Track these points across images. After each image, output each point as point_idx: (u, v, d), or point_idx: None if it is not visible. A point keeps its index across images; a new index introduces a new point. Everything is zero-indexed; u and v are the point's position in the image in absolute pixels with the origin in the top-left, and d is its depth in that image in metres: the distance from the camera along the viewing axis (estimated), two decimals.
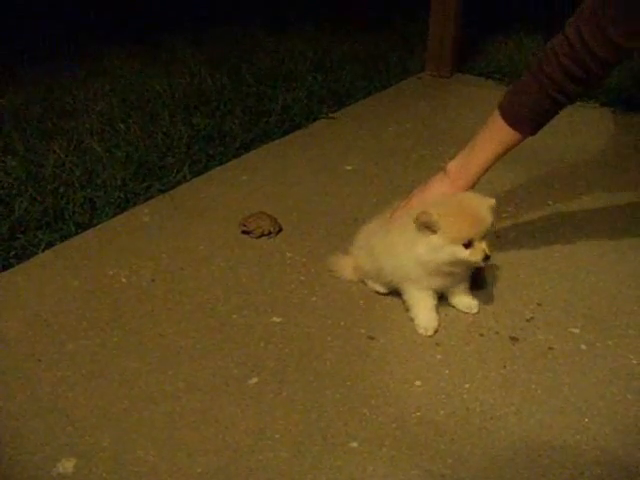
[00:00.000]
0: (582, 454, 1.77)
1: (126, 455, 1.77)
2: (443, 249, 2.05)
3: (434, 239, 2.05)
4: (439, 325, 2.21)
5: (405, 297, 2.25)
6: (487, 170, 2.21)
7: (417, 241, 2.08)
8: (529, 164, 3.22)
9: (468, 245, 2.04)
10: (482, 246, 2.05)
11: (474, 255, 2.05)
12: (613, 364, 2.07)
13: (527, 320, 2.26)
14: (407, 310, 2.25)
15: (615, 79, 3.99)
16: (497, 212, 2.15)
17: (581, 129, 3.66)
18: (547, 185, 3.06)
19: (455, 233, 2.03)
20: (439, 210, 2.04)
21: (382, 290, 2.34)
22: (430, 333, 2.19)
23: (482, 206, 2.09)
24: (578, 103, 3.83)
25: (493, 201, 2.13)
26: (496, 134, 2.19)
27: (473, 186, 2.22)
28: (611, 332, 2.20)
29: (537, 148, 3.32)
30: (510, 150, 2.20)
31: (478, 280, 2.38)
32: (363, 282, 2.40)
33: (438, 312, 2.24)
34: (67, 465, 1.74)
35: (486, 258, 2.06)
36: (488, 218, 2.08)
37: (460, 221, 2.04)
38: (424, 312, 2.21)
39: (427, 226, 2.04)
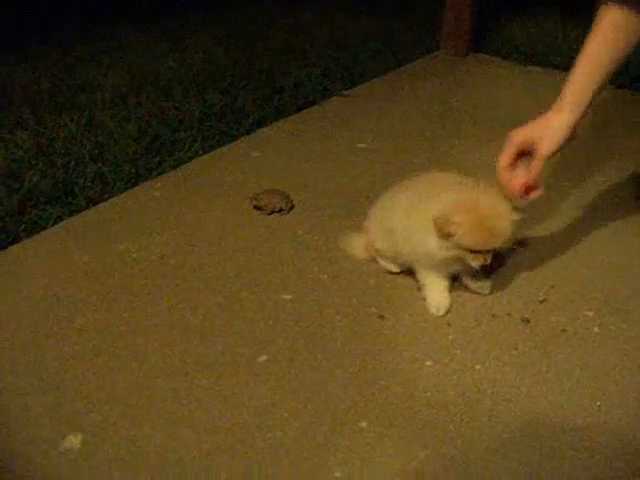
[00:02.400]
0: (593, 437, 1.75)
1: (133, 431, 1.76)
2: (453, 250, 2.02)
3: (447, 242, 2.02)
4: (451, 305, 2.19)
5: (418, 277, 2.23)
6: (601, 83, 1.91)
7: (431, 235, 2.03)
8: None
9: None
10: (486, 256, 2.02)
11: (476, 260, 2.03)
12: (626, 347, 2.05)
13: (540, 302, 2.23)
14: (419, 290, 2.23)
15: (635, 60, 3.95)
16: (520, 226, 2.10)
17: (598, 111, 3.61)
18: (562, 166, 3.02)
19: (468, 243, 1.99)
20: (459, 218, 1.97)
21: (394, 269, 2.32)
22: (442, 313, 2.17)
23: (503, 219, 2.01)
24: None
25: (517, 217, 2.04)
26: (601, 28, 1.86)
27: (587, 106, 1.93)
28: (625, 315, 2.18)
29: None
30: (622, 48, 1.86)
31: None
32: (374, 260, 2.38)
33: (450, 292, 2.22)
34: (74, 440, 1.73)
35: (483, 266, 2.05)
36: (504, 234, 2.01)
37: (476, 234, 1.98)
38: (436, 292, 2.20)
39: (443, 232, 2.01)
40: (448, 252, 2.03)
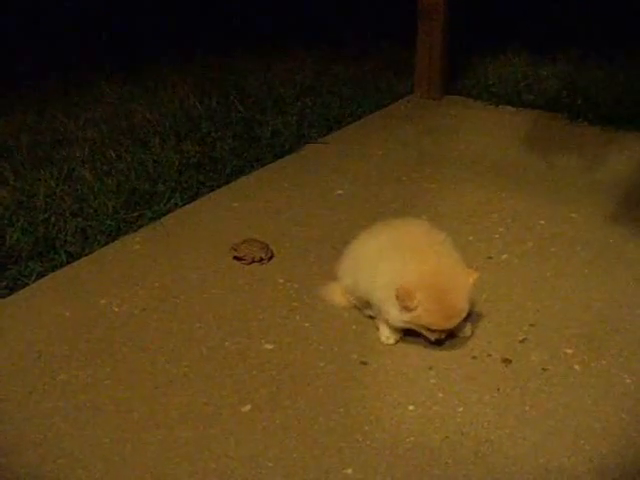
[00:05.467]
0: (579, 476, 1.76)
1: None
2: (410, 323, 2.14)
3: (406, 314, 2.12)
4: (430, 349, 2.21)
5: (374, 310, 2.29)
6: None
7: (393, 304, 2.13)
8: (519, 184, 3.23)
9: None
10: (442, 335, 2.16)
11: (432, 335, 2.16)
12: (607, 384, 2.07)
13: (520, 341, 2.25)
14: (373, 319, 2.31)
15: (604, 97, 4.02)
16: (476, 286, 2.20)
17: (570, 148, 3.66)
18: (537, 205, 3.06)
19: (426, 323, 2.12)
20: (422, 293, 2.08)
21: (374, 314, 2.35)
22: (391, 342, 2.24)
23: (461, 293, 2.14)
24: (565, 122, 3.87)
25: (476, 275, 2.18)
26: None
27: None
28: (605, 352, 2.20)
29: (526, 168, 3.34)
30: None
31: None
32: (355, 307, 2.39)
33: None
34: None
35: (437, 342, 2.18)
36: (462, 313, 2.14)
37: (435, 315, 2.10)
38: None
39: (404, 305, 2.10)
40: (406, 324, 2.15)
